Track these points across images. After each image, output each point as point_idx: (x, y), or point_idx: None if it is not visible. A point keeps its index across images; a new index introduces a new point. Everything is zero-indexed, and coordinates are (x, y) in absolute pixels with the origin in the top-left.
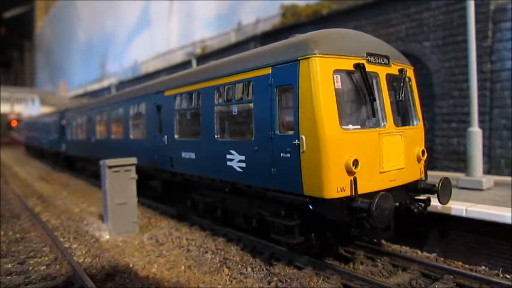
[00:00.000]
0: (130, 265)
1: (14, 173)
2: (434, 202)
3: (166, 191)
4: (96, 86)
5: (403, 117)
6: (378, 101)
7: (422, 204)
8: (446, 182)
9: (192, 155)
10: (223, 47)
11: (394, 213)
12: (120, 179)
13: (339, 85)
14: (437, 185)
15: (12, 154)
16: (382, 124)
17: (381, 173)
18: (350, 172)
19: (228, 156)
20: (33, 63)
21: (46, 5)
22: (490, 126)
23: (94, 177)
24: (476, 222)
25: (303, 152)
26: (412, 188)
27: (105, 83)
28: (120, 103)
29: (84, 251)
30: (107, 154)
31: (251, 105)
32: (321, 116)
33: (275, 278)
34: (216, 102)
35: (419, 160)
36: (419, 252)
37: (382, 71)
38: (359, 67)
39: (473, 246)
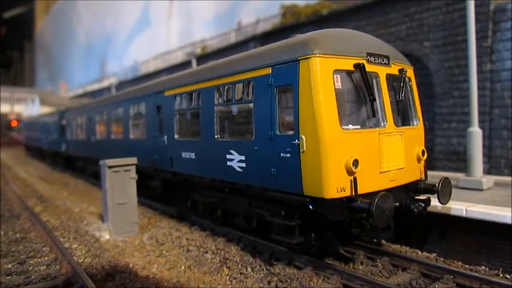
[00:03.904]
0: (130, 265)
1: (14, 173)
2: (434, 202)
3: (166, 191)
4: (96, 86)
5: (403, 117)
6: (377, 101)
7: (422, 204)
8: (446, 182)
9: (192, 155)
10: (223, 47)
11: (394, 213)
12: (120, 179)
13: (339, 85)
14: (437, 185)
15: (12, 154)
16: (382, 124)
17: (380, 173)
18: (350, 172)
19: (228, 156)
20: (33, 63)
21: (46, 5)
22: (490, 126)
23: (94, 177)
24: (476, 222)
25: (303, 152)
26: (412, 188)
27: (105, 83)
28: (120, 103)
29: (84, 251)
30: (107, 154)
31: (251, 105)
32: (320, 116)
33: (275, 278)
34: (216, 102)
35: (419, 160)
36: (419, 252)
37: (382, 71)
38: (359, 67)
39: (473, 246)
